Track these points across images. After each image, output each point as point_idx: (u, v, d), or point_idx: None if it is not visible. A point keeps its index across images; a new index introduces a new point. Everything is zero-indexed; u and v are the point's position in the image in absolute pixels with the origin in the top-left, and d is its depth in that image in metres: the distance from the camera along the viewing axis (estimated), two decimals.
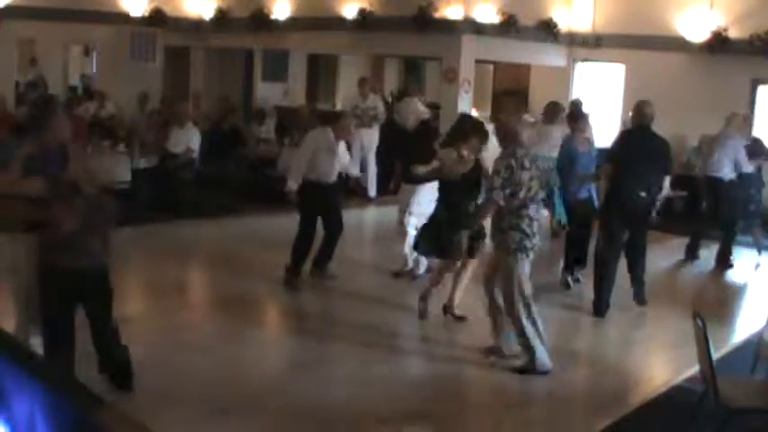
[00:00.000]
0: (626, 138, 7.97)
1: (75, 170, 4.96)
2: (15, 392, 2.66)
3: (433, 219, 6.95)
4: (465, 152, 6.73)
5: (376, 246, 7.91)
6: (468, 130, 6.85)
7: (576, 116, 9.00)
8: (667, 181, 7.65)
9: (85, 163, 5.06)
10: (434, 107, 13.40)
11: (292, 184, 7.66)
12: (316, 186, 7.74)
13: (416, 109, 8.55)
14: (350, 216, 8.35)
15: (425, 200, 7.70)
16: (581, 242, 8.33)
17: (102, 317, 5.06)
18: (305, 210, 7.87)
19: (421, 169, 7.10)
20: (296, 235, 7.84)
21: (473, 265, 6.97)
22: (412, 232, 7.84)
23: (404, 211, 8.14)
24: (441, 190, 6.98)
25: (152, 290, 7.98)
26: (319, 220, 7.90)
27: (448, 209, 6.79)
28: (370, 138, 12.54)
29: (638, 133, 7.68)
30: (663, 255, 10.11)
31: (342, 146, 8.03)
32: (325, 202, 7.83)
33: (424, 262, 8.08)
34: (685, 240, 10.17)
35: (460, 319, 6.96)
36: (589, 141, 8.76)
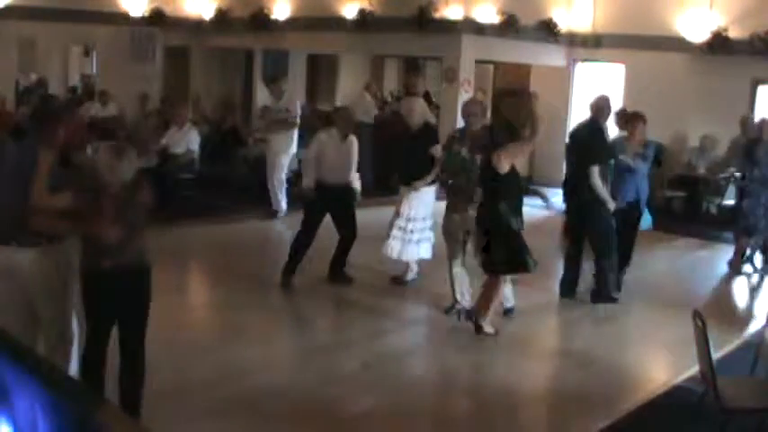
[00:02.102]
0: (571, 134, 8.24)
1: (101, 172, 4.59)
2: (18, 392, 2.66)
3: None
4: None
5: (372, 247, 7.86)
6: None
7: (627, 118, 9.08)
8: (592, 171, 7.40)
9: (109, 163, 4.58)
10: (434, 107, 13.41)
11: (309, 182, 7.75)
12: (319, 185, 7.75)
13: (422, 109, 8.23)
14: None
15: (423, 203, 7.72)
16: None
17: (136, 321, 4.69)
18: (306, 209, 7.90)
19: None
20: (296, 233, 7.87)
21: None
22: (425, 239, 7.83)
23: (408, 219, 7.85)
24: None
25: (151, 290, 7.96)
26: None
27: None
28: (280, 144, 11.00)
29: (579, 127, 7.97)
30: (663, 255, 10.12)
31: (355, 151, 7.88)
32: (330, 203, 7.79)
33: (414, 268, 8.04)
34: (687, 241, 10.19)
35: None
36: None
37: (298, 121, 11.00)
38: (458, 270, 7.03)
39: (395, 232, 7.74)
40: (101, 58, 16.37)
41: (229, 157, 13.31)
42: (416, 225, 7.74)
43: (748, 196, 9.20)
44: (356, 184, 8.01)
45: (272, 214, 10.92)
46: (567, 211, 8.10)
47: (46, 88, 15.27)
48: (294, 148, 11.10)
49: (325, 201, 7.78)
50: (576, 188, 7.66)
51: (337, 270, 7.99)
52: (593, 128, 7.73)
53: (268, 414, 5.15)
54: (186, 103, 13.40)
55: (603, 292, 7.69)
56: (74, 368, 4.87)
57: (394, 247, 7.73)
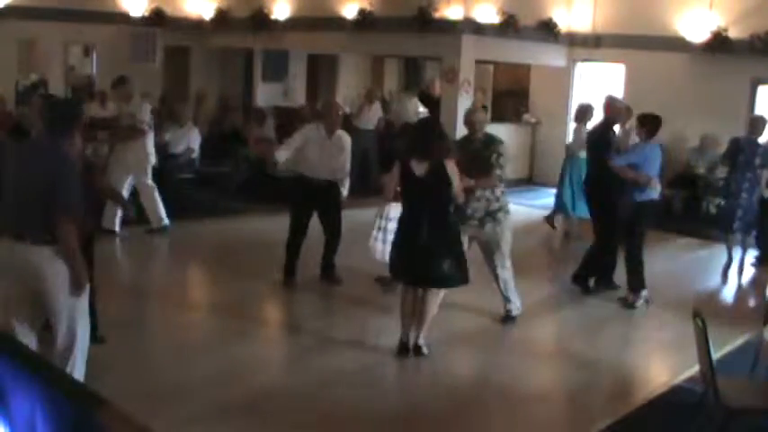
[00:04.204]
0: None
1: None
2: (15, 392, 2.65)
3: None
4: None
5: (363, 249, 7.80)
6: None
7: None
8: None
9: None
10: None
11: (280, 155, 7.71)
12: (302, 180, 7.70)
13: (411, 107, 8.03)
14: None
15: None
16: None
17: None
18: (292, 204, 7.86)
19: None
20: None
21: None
22: None
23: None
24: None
25: (152, 290, 7.98)
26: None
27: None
28: (136, 154, 9.44)
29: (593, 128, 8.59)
30: (663, 255, 10.12)
31: (346, 148, 7.76)
32: (315, 199, 7.72)
33: None
34: (687, 241, 10.19)
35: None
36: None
37: (147, 128, 9.50)
38: None
39: (375, 233, 7.58)
40: (101, 58, 16.36)
41: (230, 156, 13.32)
42: (392, 225, 7.61)
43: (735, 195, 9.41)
44: (344, 186, 7.81)
45: (159, 231, 9.65)
46: (590, 207, 8.38)
47: (46, 88, 15.26)
48: (152, 159, 9.63)
49: (309, 197, 7.71)
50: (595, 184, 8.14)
51: (328, 270, 7.97)
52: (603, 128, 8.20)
53: (268, 414, 5.15)
54: (186, 103, 13.40)
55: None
56: (81, 369, 4.89)
57: (376, 248, 7.56)
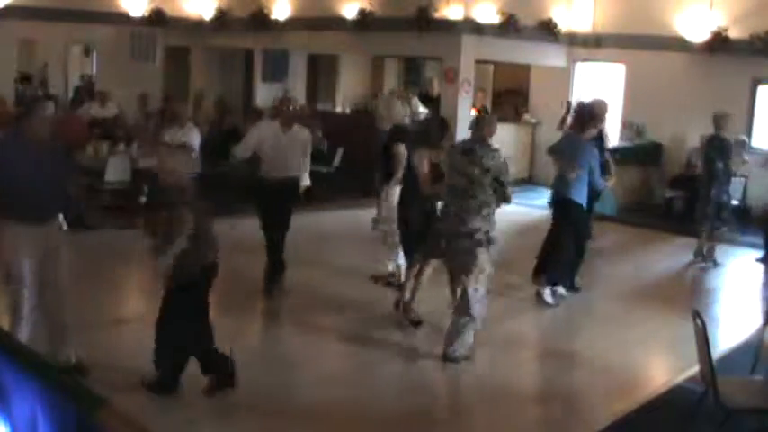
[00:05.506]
0: None
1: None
2: (16, 392, 2.66)
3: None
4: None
5: (361, 250, 7.78)
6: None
7: None
8: None
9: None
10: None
11: (237, 152, 7.80)
12: (262, 182, 7.49)
13: (402, 109, 7.84)
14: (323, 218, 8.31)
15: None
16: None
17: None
18: (257, 208, 7.68)
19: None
20: None
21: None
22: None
23: (381, 221, 7.81)
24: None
25: (151, 290, 7.96)
26: None
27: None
28: None
29: None
30: (663, 255, 10.14)
31: (305, 143, 7.61)
32: (269, 198, 7.48)
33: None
34: (687, 240, 10.18)
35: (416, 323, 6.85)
36: None
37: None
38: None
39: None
40: (101, 58, 16.38)
41: (229, 156, 13.30)
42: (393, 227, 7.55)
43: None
44: (306, 180, 7.71)
45: None
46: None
47: (46, 88, 15.30)
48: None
49: (267, 197, 7.49)
50: None
51: (272, 277, 7.61)
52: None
53: (267, 414, 5.15)
54: (186, 103, 13.41)
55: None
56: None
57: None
